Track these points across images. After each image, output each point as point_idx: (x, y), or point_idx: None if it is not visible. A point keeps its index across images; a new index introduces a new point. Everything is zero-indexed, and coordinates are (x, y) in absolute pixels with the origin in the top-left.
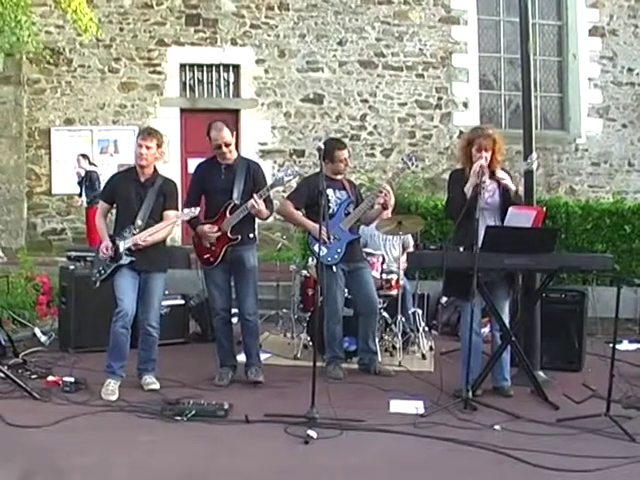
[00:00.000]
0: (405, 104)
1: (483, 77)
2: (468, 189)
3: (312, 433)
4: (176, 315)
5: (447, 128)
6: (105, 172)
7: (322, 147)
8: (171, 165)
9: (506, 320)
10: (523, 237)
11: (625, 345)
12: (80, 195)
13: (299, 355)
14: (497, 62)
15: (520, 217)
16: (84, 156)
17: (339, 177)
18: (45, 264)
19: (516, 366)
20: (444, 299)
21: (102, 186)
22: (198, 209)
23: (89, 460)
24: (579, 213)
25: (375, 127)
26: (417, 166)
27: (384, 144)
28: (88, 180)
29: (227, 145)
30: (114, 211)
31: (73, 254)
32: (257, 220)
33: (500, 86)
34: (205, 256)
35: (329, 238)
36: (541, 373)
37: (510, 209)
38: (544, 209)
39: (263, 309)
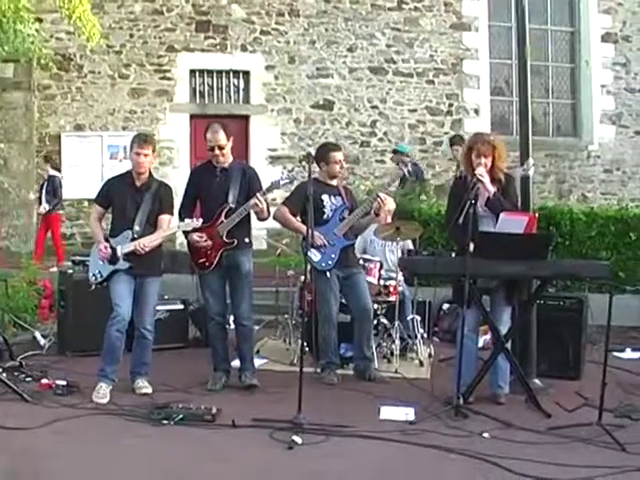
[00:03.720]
0: (415, 110)
1: (494, 84)
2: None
3: (297, 439)
4: (176, 320)
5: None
6: None
7: (311, 153)
8: (180, 170)
9: (505, 328)
10: (516, 243)
11: (628, 353)
12: (40, 201)
13: (295, 361)
14: (508, 69)
15: (511, 223)
16: (46, 160)
17: (335, 183)
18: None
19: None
20: (445, 306)
21: (63, 192)
22: (200, 221)
23: (72, 462)
24: (583, 220)
25: (385, 133)
26: (410, 173)
27: None
28: (50, 185)
29: (220, 148)
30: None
31: (77, 259)
32: (262, 225)
33: (511, 92)
34: (201, 260)
35: (323, 244)
36: (537, 381)
37: (501, 215)
38: (536, 215)
39: (262, 314)
